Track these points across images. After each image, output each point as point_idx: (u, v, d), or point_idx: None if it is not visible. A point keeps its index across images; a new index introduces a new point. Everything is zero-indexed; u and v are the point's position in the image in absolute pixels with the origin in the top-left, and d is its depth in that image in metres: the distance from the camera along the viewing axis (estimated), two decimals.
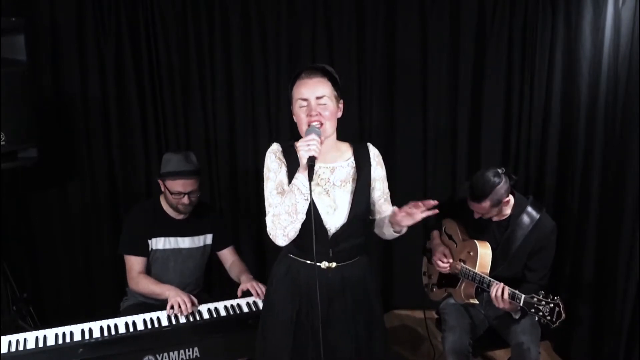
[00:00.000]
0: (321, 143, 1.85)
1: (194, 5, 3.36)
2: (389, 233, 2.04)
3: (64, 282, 3.52)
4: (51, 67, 3.28)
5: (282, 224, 1.89)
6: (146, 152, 3.47)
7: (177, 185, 2.62)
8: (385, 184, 2.10)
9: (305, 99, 1.92)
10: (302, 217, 1.88)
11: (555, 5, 3.25)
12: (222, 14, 3.39)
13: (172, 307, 2.44)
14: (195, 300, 2.51)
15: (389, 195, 2.11)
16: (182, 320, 2.43)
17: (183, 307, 2.43)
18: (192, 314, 2.47)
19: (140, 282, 2.64)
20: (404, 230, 1.97)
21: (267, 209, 1.96)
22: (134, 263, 2.67)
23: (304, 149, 1.83)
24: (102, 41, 3.30)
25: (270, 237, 1.94)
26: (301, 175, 1.86)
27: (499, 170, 2.45)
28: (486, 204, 2.42)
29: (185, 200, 2.63)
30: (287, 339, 2.02)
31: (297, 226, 1.90)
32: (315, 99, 1.91)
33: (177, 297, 2.46)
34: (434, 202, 1.83)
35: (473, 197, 2.44)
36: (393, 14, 3.51)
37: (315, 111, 1.90)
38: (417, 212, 1.84)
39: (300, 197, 1.86)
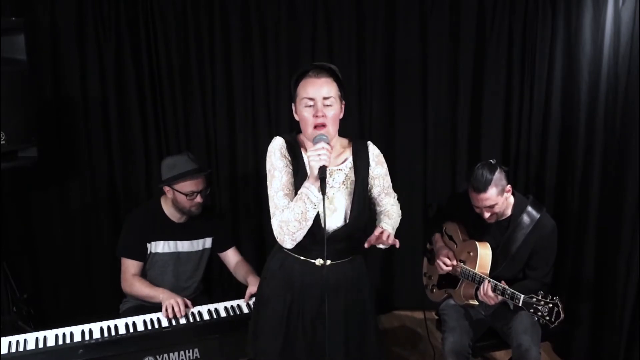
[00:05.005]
0: (331, 148, 1.84)
1: (194, 5, 3.36)
2: None
3: (63, 282, 3.51)
4: (51, 67, 3.27)
5: (290, 230, 1.88)
6: (146, 152, 3.47)
7: (189, 185, 2.61)
8: (387, 179, 2.10)
9: (311, 99, 1.88)
10: (310, 222, 1.87)
11: (555, 5, 3.25)
12: (222, 13, 3.38)
13: (166, 310, 2.45)
14: (188, 302, 2.51)
15: (390, 187, 2.12)
16: (182, 321, 2.43)
17: (177, 309, 2.45)
18: (193, 314, 2.47)
19: (134, 284, 2.64)
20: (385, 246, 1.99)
21: (273, 210, 1.92)
22: (130, 266, 2.67)
23: (314, 159, 1.79)
24: (102, 41, 3.30)
25: (278, 240, 1.93)
26: (312, 186, 1.82)
27: (491, 161, 2.48)
28: (492, 190, 2.41)
29: (199, 199, 2.63)
30: (279, 333, 2.01)
31: (305, 231, 1.89)
32: (322, 99, 1.88)
33: (170, 300, 2.47)
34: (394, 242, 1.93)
35: (478, 189, 2.43)
36: (393, 14, 3.51)
37: (321, 112, 1.87)
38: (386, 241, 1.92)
39: (310, 206, 1.84)
